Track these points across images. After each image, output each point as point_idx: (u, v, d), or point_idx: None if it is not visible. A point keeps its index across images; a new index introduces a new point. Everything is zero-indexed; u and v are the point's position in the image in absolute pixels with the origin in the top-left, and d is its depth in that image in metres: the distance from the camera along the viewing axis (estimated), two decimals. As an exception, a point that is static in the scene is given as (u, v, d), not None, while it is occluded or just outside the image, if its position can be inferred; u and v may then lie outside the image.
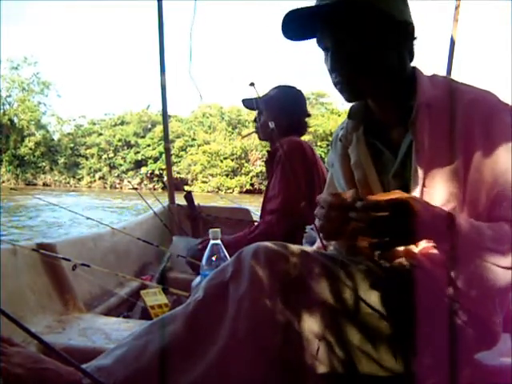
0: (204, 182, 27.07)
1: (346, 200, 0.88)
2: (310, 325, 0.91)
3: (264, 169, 2.58)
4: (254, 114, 2.40)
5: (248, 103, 2.40)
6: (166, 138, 3.68)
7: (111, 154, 30.58)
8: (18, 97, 32.46)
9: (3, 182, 27.97)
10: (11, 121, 31.35)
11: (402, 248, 1.00)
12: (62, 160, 31.28)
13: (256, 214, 2.93)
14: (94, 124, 33.20)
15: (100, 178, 30.72)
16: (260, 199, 2.45)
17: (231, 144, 27.53)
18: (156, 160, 28.69)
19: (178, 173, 26.08)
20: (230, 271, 0.97)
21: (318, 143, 25.31)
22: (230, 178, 27.02)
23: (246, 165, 27.23)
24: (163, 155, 26.01)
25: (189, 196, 3.18)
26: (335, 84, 1.06)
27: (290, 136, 2.19)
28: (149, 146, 29.26)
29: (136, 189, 5.98)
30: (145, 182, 28.68)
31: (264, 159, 2.49)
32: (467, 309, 0.97)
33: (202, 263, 1.35)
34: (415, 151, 1.01)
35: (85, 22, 66.35)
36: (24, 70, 33.01)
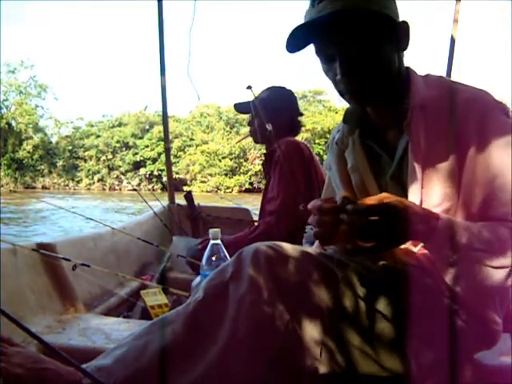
0: (203, 182, 27.07)
1: (336, 203, 0.88)
2: (311, 325, 0.91)
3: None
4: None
5: (240, 107, 2.40)
6: (166, 138, 3.68)
7: (110, 156, 30.56)
8: (16, 100, 32.42)
9: (2, 185, 27.92)
10: (9, 124, 31.30)
11: (403, 247, 1.00)
12: (60, 163, 31.25)
13: (256, 213, 2.93)
14: (92, 126, 33.19)
15: (99, 180, 30.70)
16: (259, 198, 2.45)
17: (229, 143, 27.52)
18: (154, 161, 28.69)
19: (177, 173, 26.05)
20: (230, 271, 0.97)
21: (317, 141, 25.34)
22: (229, 178, 27.03)
23: (244, 164, 27.24)
24: (162, 156, 26.07)
25: (189, 196, 3.18)
26: (344, 93, 1.04)
27: (286, 137, 2.19)
28: (147, 146, 29.26)
29: (136, 189, 5.99)
30: (144, 183, 28.67)
31: (262, 158, 2.49)
32: (467, 308, 0.97)
33: (201, 263, 1.35)
34: (411, 152, 1.01)
35: (84, 22, 66.56)
36: (21, 74, 32.98)
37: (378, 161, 1.11)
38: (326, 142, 22.52)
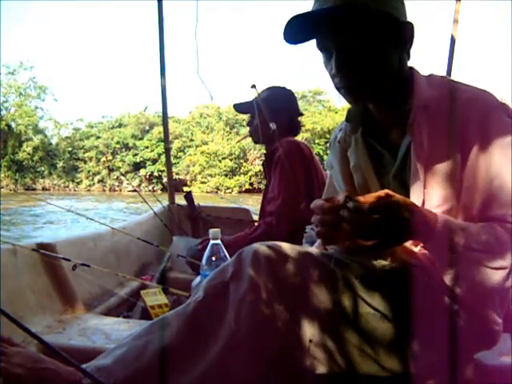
0: (203, 183, 27.05)
1: (338, 202, 0.88)
2: (310, 325, 0.91)
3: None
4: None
5: (240, 108, 2.40)
6: (166, 138, 3.69)
7: (110, 157, 30.53)
8: (15, 102, 32.32)
9: (2, 187, 27.90)
10: (9, 126, 31.23)
11: (403, 246, 1.00)
12: (60, 164, 31.18)
13: (256, 213, 2.93)
14: (92, 127, 33.10)
15: (99, 181, 30.66)
16: (259, 198, 2.45)
17: (229, 144, 27.51)
18: (154, 162, 28.67)
19: (177, 174, 26.04)
20: (230, 271, 0.97)
21: (316, 141, 25.34)
22: (229, 178, 27.00)
23: (244, 164, 27.21)
24: (162, 157, 26.05)
25: (189, 196, 3.18)
26: (339, 88, 1.04)
27: (286, 137, 2.20)
28: (147, 147, 29.22)
29: (136, 190, 6.00)
30: (144, 184, 28.65)
31: (262, 158, 2.49)
32: (467, 309, 0.97)
33: (202, 263, 1.35)
34: (414, 152, 1.01)
35: (84, 22, 66.50)
36: (20, 75, 32.87)
37: (380, 160, 1.11)
38: (325, 142, 22.57)
